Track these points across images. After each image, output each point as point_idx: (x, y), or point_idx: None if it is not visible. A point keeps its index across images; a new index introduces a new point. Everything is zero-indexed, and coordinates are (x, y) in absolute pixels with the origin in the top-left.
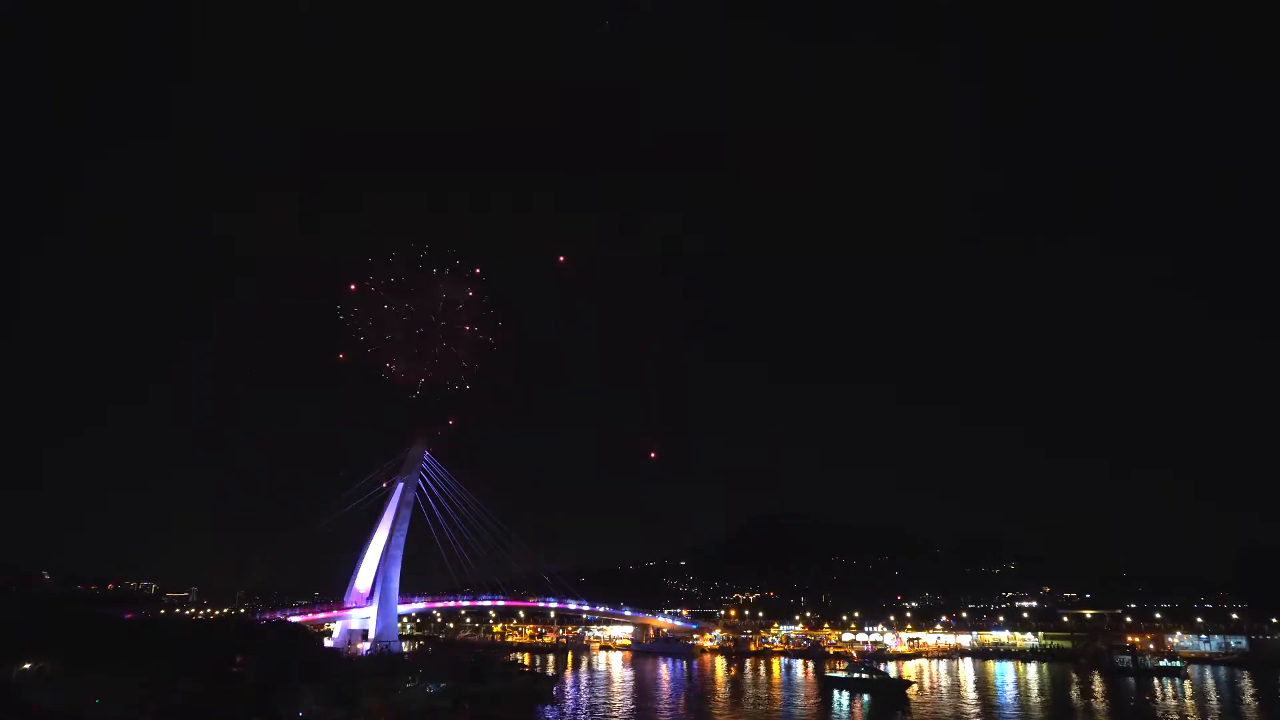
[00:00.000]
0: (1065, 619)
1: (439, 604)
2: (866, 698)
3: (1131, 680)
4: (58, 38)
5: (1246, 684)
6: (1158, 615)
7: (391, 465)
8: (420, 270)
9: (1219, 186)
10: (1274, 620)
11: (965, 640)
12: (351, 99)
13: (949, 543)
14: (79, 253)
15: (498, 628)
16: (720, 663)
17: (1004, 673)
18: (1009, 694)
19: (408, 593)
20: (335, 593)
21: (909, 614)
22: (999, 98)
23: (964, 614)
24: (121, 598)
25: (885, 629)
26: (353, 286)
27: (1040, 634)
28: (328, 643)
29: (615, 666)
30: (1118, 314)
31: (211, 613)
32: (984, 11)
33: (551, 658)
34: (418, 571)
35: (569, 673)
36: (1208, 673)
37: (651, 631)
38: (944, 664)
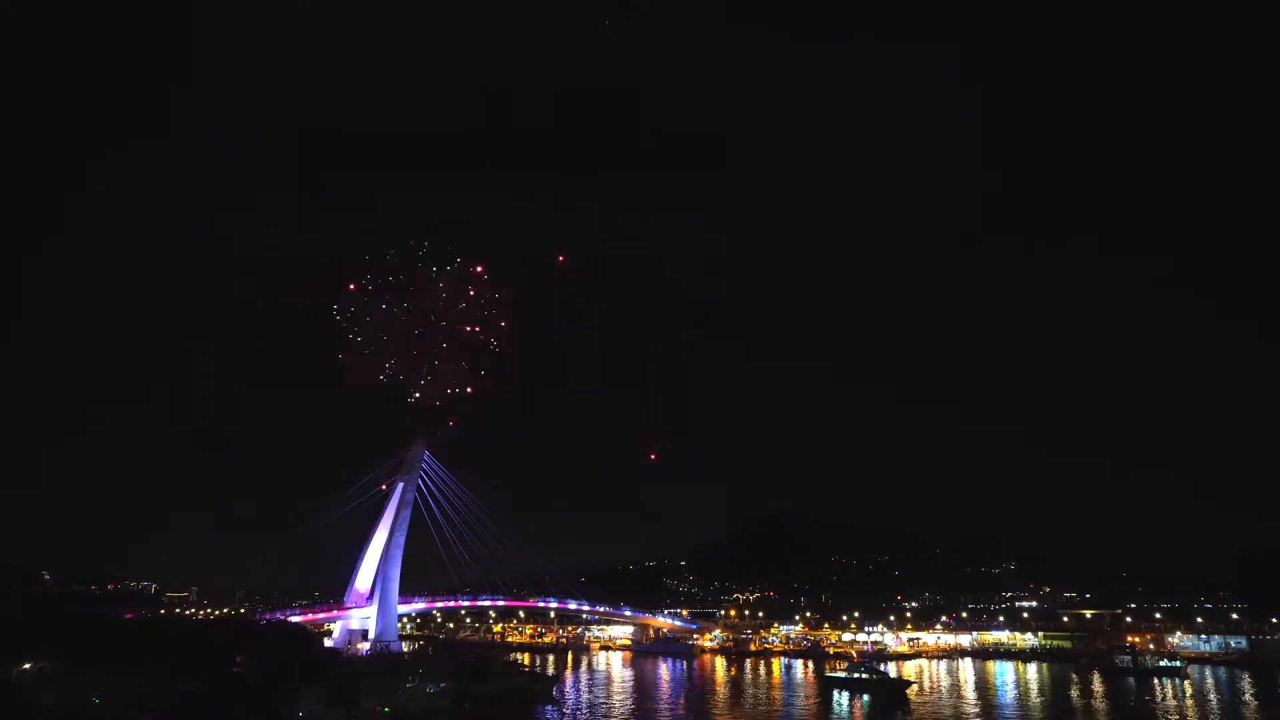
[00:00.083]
0: (1065, 619)
1: (439, 604)
2: (866, 698)
3: (1131, 680)
4: (58, 38)
5: (1246, 684)
6: (1158, 615)
7: (391, 465)
8: (420, 269)
9: (1219, 186)
10: (1274, 620)
11: (965, 640)
12: (351, 99)
13: (949, 543)
14: (79, 253)
15: (498, 628)
16: (720, 663)
17: (1004, 673)
18: (1009, 694)
19: (408, 593)
20: (335, 593)
21: (909, 614)
22: (999, 98)
23: (964, 614)
24: (121, 598)
25: (885, 629)
26: (351, 286)
27: (1040, 634)
28: (328, 643)
29: (615, 666)
30: (1118, 314)
31: (211, 613)
32: (984, 11)
33: (551, 658)
34: (418, 571)
35: (569, 673)
36: (1208, 673)
37: (651, 631)
38: (944, 664)
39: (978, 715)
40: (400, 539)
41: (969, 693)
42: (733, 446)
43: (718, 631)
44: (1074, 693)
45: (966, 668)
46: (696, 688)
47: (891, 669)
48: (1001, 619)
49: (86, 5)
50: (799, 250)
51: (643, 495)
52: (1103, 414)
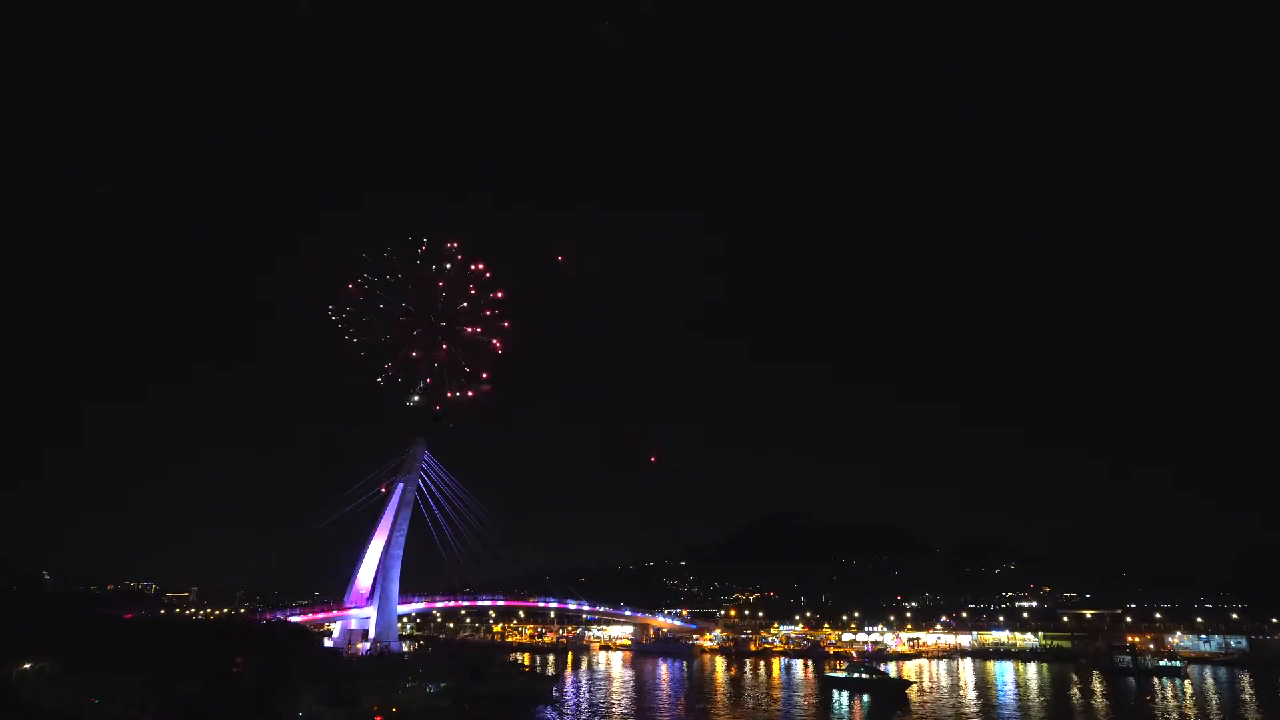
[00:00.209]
0: (1065, 619)
1: (439, 604)
2: (866, 698)
3: (1131, 680)
4: (58, 38)
5: (1246, 684)
6: (1158, 615)
7: (391, 465)
8: (419, 267)
9: (1219, 186)
10: (1274, 620)
11: (965, 640)
12: (351, 99)
13: (949, 543)
14: (79, 253)
15: (498, 628)
16: (720, 663)
17: (1004, 673)
18: (1009, 694)
19: (408, 593)
20: (335, 593)
21: (909, 614)
22: (999, 98)
23: (964, 614)
24: (121, 598)
25: (885, 629)
26: (350, 286)
27: (1040, 634)
28: (328, 643)
29: (615, 666)
30: (1117, 314)
31: (211, 613)
32: (984, 11)
33: (551, 658)
34: (418, 571)
35: (569, 673)
36: (1208, 673)
37: (651, 631)
38: (944, 664)
39: (978, 715)
40: (400, 539)
41: (969, 693)
42: (732, 446)
43: (718, 631)
44: (1074, 693)
45: (966, 668)
46: (696, 688)
47: (891, 669)
48: (1001, 619)
49: (86, 5)
50: (799, 250)
51: (643, 495)
52: (1103, 414)
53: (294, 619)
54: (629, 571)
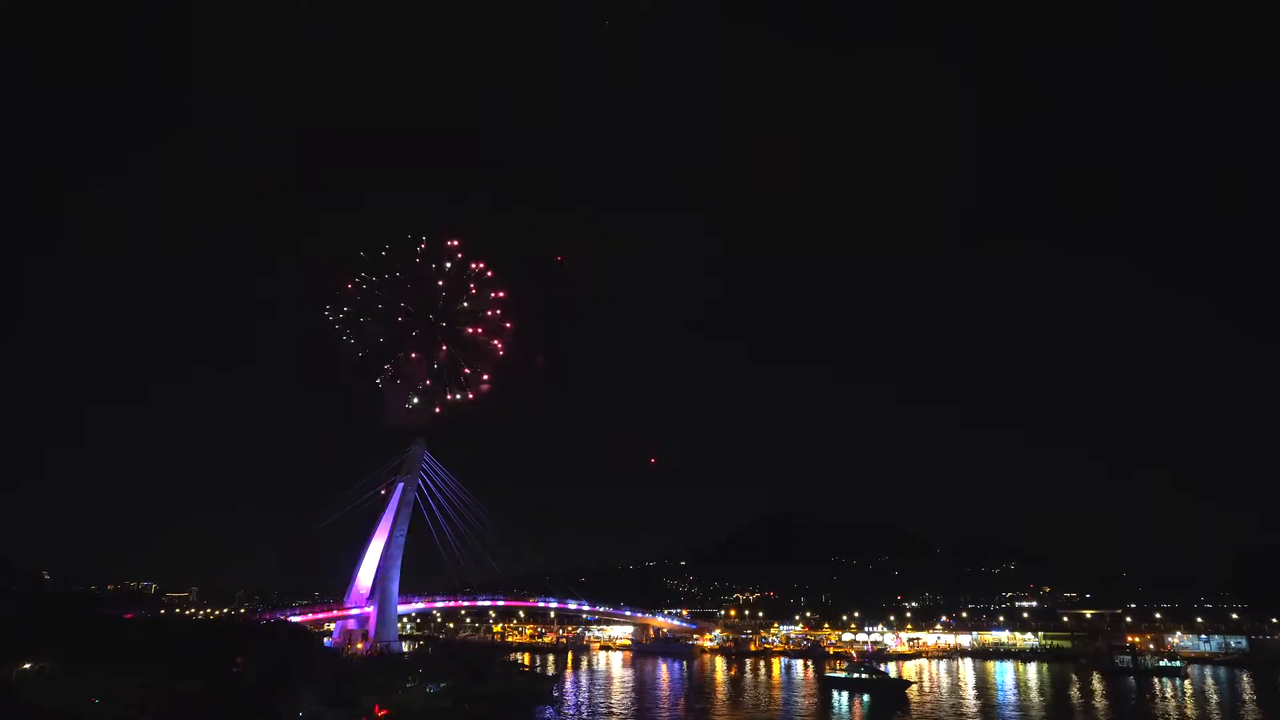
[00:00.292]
0: (1065, 619)
1: (439, 604)
2: (866, 698)
3: (1131, 680)
4: (58, 38)
5: (1246, 684)
6: (1158, 615)
7: (392, 465)
8: (418, 266)
9: (1219, 186)
10: (1274, 620)
11: (965, 640)
12: (351, 99)
13: (949, 543)
14: (79, 253)
15: (498, 628)
16: (720, 663)
17: (1004, 673)
18: (1009, 694)
19: (408, 593)
20: (335, 593)
21: (909, 614)
22: (999, 98)
23: (964, 614)
24: (121, 598)
25: (885, 629)
26: (347, 286)
27: (1040, 634)
28: (328, 642)
29: (615, 666)
30: (1117, 314)
31: (211, 613)
32: (984, 11)
33: (551, 658)
34: (418, 571)
35: (569, 673)
36: (1208, 673)
37: (651, 631)
38: (944, 664)
39: (978, 715)
40: (400, 539)
41: (969, 693)
42: (732, 446)
43: (718, 631)
44: (1074, 693)
45: (966, 668)
46: (696, 688)
47: (891, 669)
48: (1001, 619)
49: (86, 5)
50: (799, 250)
51: (643, 495)
52: (1103, 414)
53: (294, 619)
54: (629, 571)
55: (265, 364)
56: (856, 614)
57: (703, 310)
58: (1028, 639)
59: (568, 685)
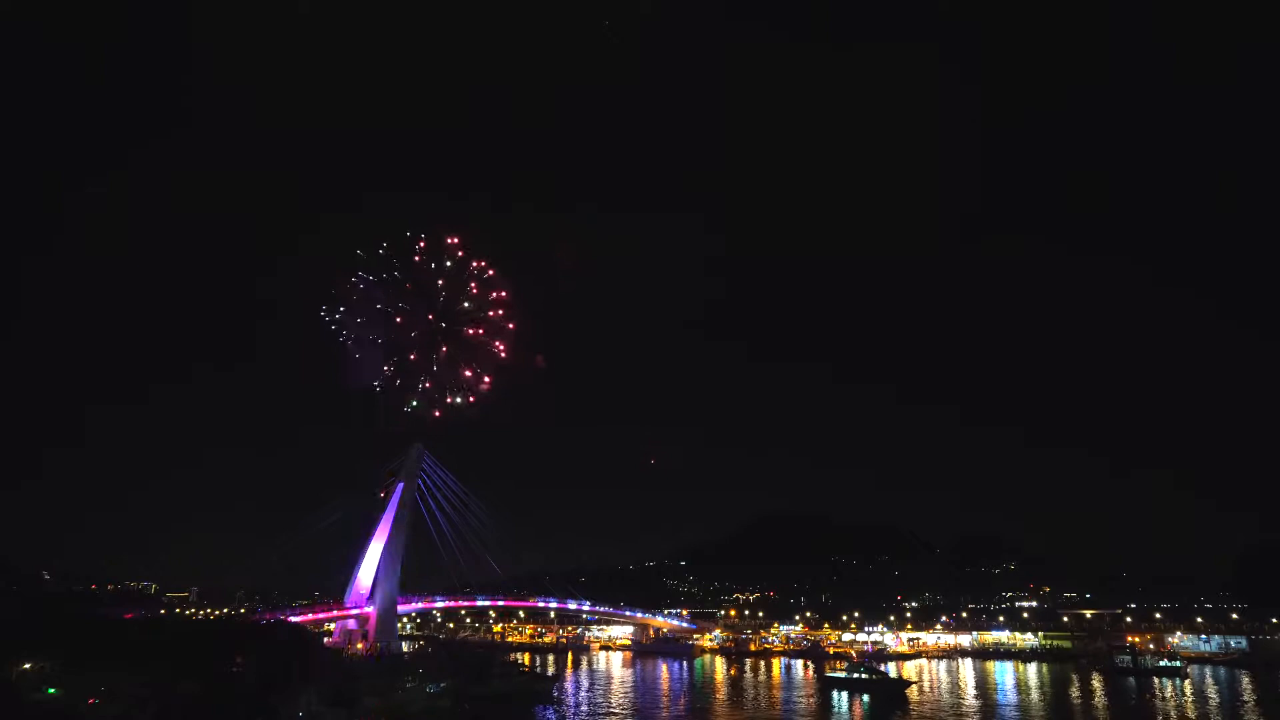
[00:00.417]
0: (1065, 619)
1: (439, 604)
2: (866, 698)
3: (1131, 680)
4: (58, 38)
5: (1246, 684)
6: (1158, 615)
7: (391, 465)
8: (417, 265)
9: (1218, 186)
10: (1274, 620)
11: (965, 640)
12: (351, 99)
13: (949, 543)
14: (79, 253)
15: (498, 628)
16: (720, 663)
17: (1004, 673)
18: (1009, 694)
19: (407, 593)
20: (335, 593)
21: (909, 614)
22: (999, 98)
23: (964, 614)
24: (121, 598)
25: (885, 629)
26: (345, 285)
27: (1040, 634)
28: (327, 642)
29: (615, 666)
30: (1117, 314)
31: (211, 613)
32: (984, 11)
33: (551, 658)
34: (418, 571)
35: (569, 673)
36: (1208, 673)
37: (651, 631)
38: (944, 664)
39: (978, 715)
40: (400, 539)
41: (969, 693)
42: (732, 446)
43: (718, 631)
44: (1074, 693)
45: (966, 668)
46: (696, 688)
47: (891, 669)
48: (1001, 619)
49: (86, 5)
50: (799, 250)
51: (643, 495)
52: (1103, 414)
53: (294, 619)
54: (629, 571)
55: (265, 364)
56: (856, 614)
57: (703, 310)
58: (1028, 639)
59: (568, 685)
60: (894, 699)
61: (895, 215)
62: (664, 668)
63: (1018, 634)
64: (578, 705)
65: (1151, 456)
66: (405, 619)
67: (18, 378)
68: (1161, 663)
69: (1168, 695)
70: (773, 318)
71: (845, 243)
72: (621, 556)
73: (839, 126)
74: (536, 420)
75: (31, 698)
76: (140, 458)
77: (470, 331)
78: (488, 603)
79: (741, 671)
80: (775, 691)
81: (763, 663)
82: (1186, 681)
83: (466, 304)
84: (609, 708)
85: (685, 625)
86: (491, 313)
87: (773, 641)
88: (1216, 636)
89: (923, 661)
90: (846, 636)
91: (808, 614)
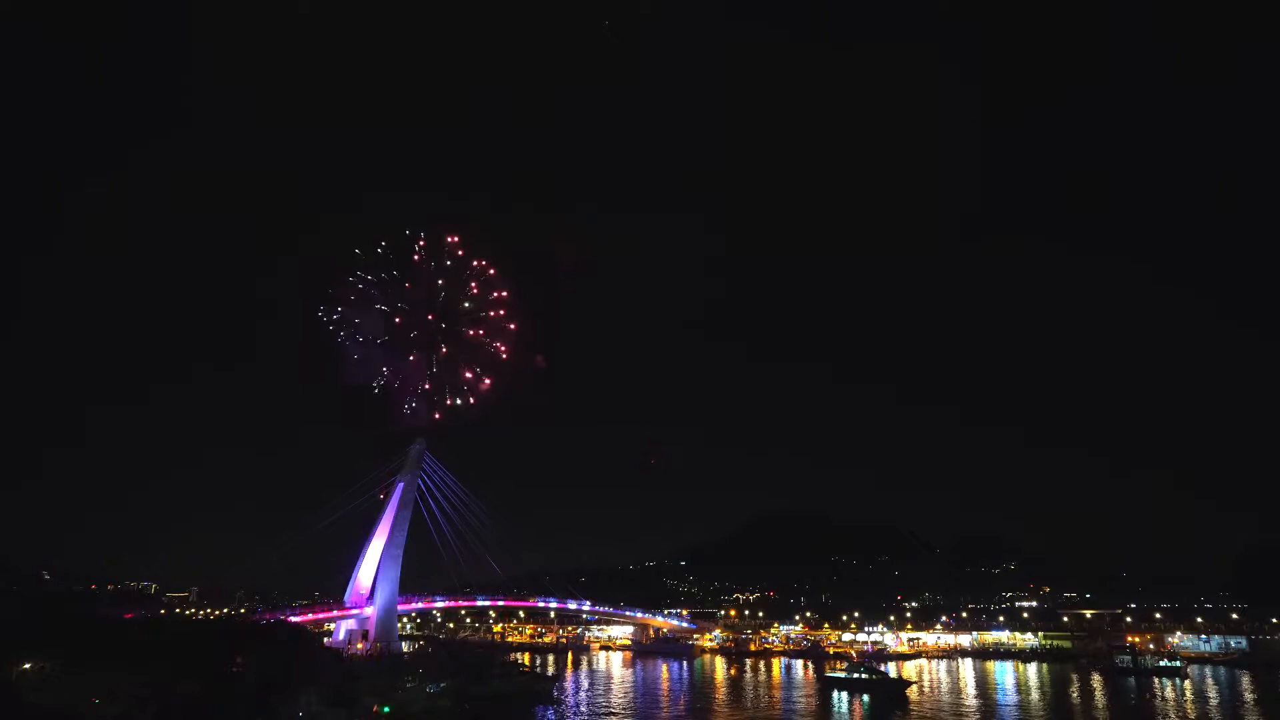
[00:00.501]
0: (1065, 619)
1: (439, 604)
2: (866, 698)
3: (1131, 680)
4: (58, 38)
5: (1246, 684)
6: (1158, 615)
7: (391, 465)
8: (416, 265)
9: (1218, 186)
10: (1274, 620)
11: (965, 640)
12: (351, 99)
13: (949, 543)
14: (79, 253)
15: (498, 628)
16: (720, 663)
17: (1004, 673)
18: (1009, 694)
19: (407, 593)
20: (335, 593)
21: (909, 614)
22: (999, 98)
23: (964, 614)
24: (121, 598)
25: (885, 629)
26: (343, 285)
27: (1040, 634)
28: (327, 643)
29: (615, 666)
30: (1117, 313)
31: (211, 613)
32: (984, 11)
33: (551, 658)
34: (418, 571)
35: (569, 673)
36: (1208, 673)
37: (651, 631)
38: (944, 664)
39: (978, 715)
40: (400, 539)
41: (969, 693)
42: (732, 446)
43: (718, 631)
44: (1074, 693)
45: (966, 668)
46: (696, 688)
47: (891, 669)
48: (1001, 619)
49: (86, 5)
50: (799, 250)
51: (643, 495)
52: (1103, 414)
53: (294, 619)
54: (629, 571)
55: (265, 364)
56: (856, 614)
57: (703, 310)
58: (1028, 639)
59: (568, 685)
60: (894, 699)
61: (895, 215)
62: (664, 668)
63: (1018, 634)
64: (578, 705)
65: (1151, 456)
66: (405, 619)
67: (18, 378)
68: (1161, 663)
69: (1168, 695)
70: (773, 318)
71: (845, 243)
72: (621, 556)
73: (839, 126)
74: (536, 420)
75: (31, 698)
76: (140, 458)
77: (470, 332)
78: (488, 603)
79: (741, 671)
80: (775, 691)
81: (763, 663)
82: (1186, 681)
83: (467, 304)
84: (609, 708)
85: (685, 625)
86: (492, 313)
87: (773, 641)
88: (1216, 636)
89: (923, 661)
90: (846, 636)
91: (808, 614)
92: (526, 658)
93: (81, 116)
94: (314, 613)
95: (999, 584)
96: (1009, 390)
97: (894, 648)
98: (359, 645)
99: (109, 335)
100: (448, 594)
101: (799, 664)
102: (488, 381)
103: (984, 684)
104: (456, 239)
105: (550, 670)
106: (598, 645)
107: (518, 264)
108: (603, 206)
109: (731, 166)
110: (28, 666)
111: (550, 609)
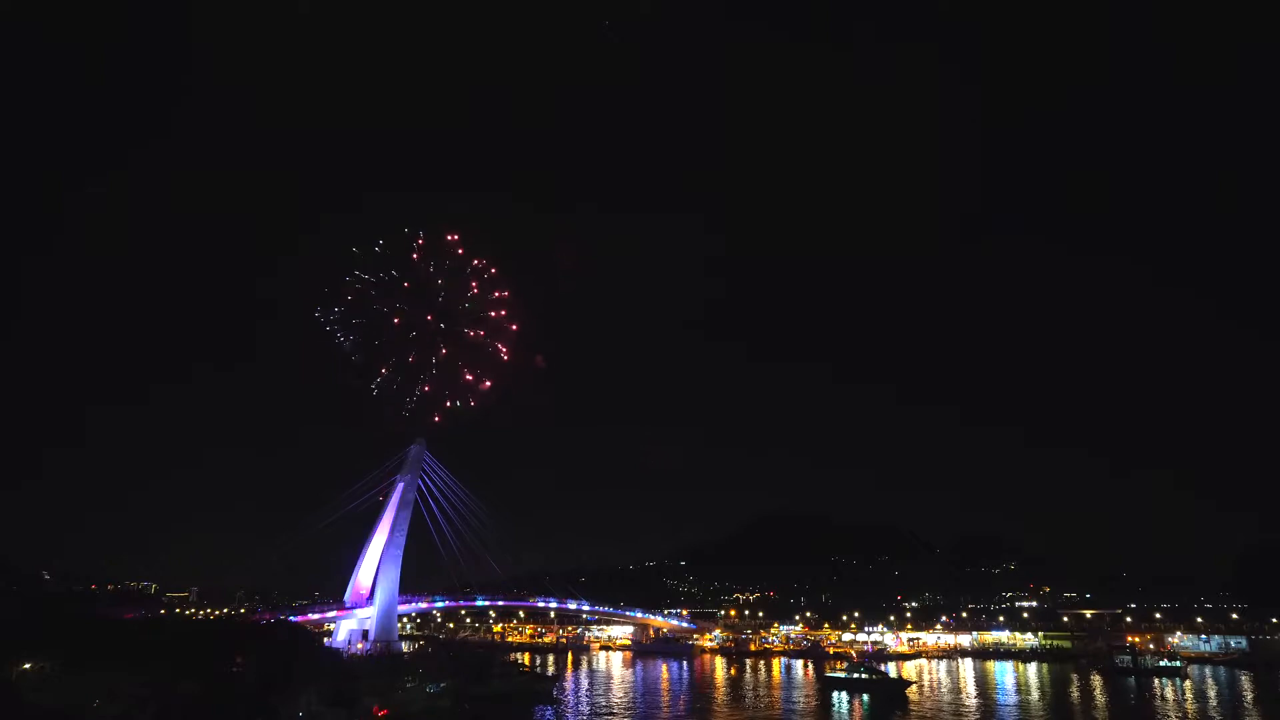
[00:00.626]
0: (1065, 619)
1: (439, 604)
2: (866, 698)
3: (1131, 680)
4: (58, 38)
5: (1246, 684)
6: (1158, 615)
7: (391, 465)
8: (416, 264)
9: (1218, 186)
10: (1274, 620)
11: (965, 640)
12: (351, 99)
13: (949, 543)
14: (79, 253)
15: (498, 628)
16: (720, 663)
17: (1004, 673)
18: (1009, 694)
19: (408, 593)
20: (335, 593)
21: (909, 614)
22: (999, 98)
23: (964, 614)
24: (121, 598)
25: (885, 629)
26: (341, 285)
27: (1040, 634)
28: (328, 643)
29: (615, 666)
30: (1117, 313)
31: (211, 613)
32: (984, 11)
33: (551, 658)
34: (418, 571)
35: (569, 673)
36: (1208, 673)
37: (651, 631)
38: (944, 664)
39: (977, 715)
40: (400, 539)
41: (969, 693)
42: (732, 446)
43: (718, 631)
44: (1074, 693)
45: (966, 668)
46: (696, 688)
47: (891, 669)
48: (1001, 619)
49: (86, 5)
50: (799, 250)
51: (643, 495)
52: (1103, 414)
53: (294, 619)
54: (629, 571)
55: (265, 364)
56: (856, 614)
57: (703, 310)
58: (1028, 639)
59: (568, 685)
60: (894, 699)
61: (895, 215)
62: (664, 668)
63: (1018, 634)
64: (578, 705)
65: (1151, 456)
66: (405, 619)
67: (18, 378)
68: (1161, 663)
69: (1168, 695)
70: (773, 318)
71: (845, 243)
72: (621, 556)
73: (839, 126)
74: (536, 420)
75: (31, 698)
76: (140, 458)
77: (470, 332)
78: (488, 603)
79: (741, 671)
80: (775, 691)
81: (763, 663)
82: (1186, 681)
83: (466, 304)
84: (609, 708)
85: (685, 625)
86: (492, 312)
87: (773, 641)
88: (1216, 636)
89: (923, 661)
90: (846, 636)
91: (808, 614)
92: (526, 658)
93: (81, 116)
94: (314, 613)
95: (999, 584)
96: (1009, 390)
97: (894, 648)
98: (359, 645)
99: (109, 335)
100: (448, 594)
101: (799, 664)
102: (488, 382)
103: (984, 684)
104: (456, 237)
105: (550, 670)
106: (598, 645)
107: (518, 264)
108: (603, 206)
109: (731, 166)
110: (28, 666)
111: (550, 609)
